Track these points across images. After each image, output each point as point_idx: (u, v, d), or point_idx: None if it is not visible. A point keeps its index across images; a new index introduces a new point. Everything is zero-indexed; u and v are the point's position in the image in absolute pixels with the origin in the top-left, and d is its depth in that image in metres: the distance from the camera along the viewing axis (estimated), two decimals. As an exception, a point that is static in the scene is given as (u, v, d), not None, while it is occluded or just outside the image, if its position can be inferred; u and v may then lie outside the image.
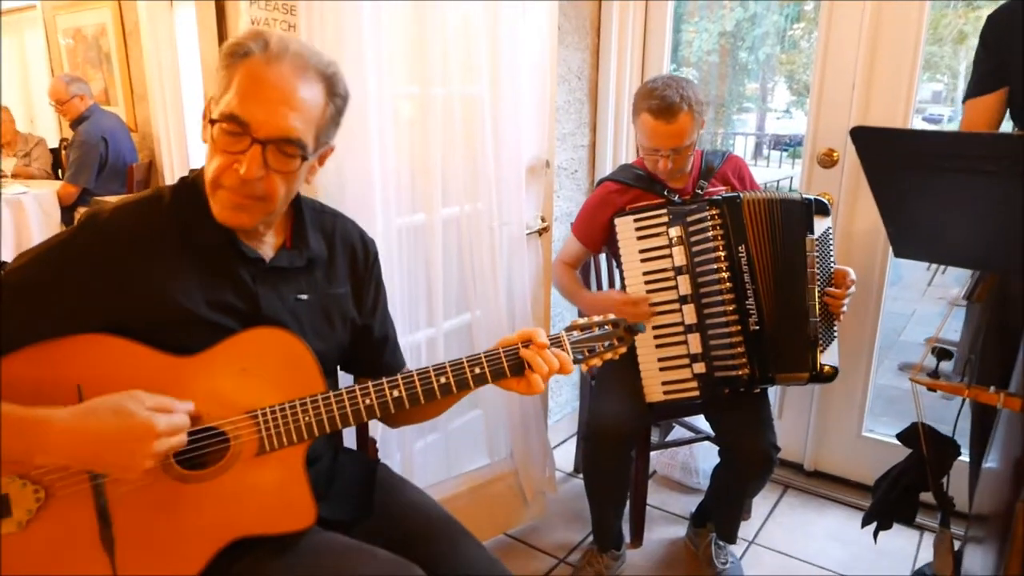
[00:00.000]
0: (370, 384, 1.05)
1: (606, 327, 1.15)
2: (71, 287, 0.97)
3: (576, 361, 1.13)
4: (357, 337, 1.22)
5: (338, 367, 1.25)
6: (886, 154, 0.97)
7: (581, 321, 1.16)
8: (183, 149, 3.76)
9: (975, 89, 1.71)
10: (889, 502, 1.60)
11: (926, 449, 1.56)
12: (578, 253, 2.06)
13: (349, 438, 1.48)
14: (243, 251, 1.05)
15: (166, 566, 0.99)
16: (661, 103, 1.75)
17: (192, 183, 1.07)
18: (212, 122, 0.98)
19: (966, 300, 1.74)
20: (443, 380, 1.07)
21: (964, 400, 1.48)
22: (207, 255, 1.04)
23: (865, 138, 0.97)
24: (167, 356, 0.99)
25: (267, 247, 1.10)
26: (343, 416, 1.04)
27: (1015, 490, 1.12)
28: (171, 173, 3.83)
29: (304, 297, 1.12)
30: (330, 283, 1.16)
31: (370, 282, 1.23)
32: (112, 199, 1.06)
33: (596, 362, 1.15)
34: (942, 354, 1.41)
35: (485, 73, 1.80)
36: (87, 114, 3.79)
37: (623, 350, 1.16)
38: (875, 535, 1.65)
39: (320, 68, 1.01)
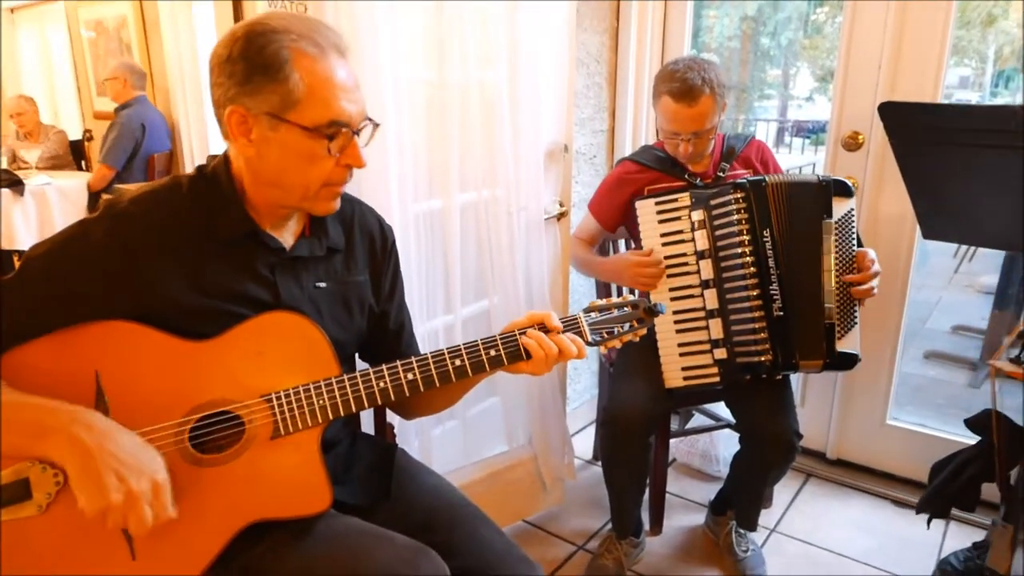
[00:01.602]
0: (384, 367, 1.04)
1: (625, 308, 1.13)
2: (88, 277, 0.97)
3: (595, 343, 1.11)
4: (374, 324, 1.22)
5: (356, 355, 1.25)
6: (915, 130, 0.94)
7: (600, 303, 1.14)
8: (204, 140, 3.78)
9: None
10: (952, 492, 1.55)
11: (999, 439, 1.50)
12: (593, 231, 2.03)
13: (367, 423, 1.47)
14: (265, 241, 1.05)
15: (183, 549, 0.99)
16: (682, 86, 1.72)
17: (212, 173, 1.06)
18: (307, 131, 0.96)
19: None
20: (458, 363, 1.06)
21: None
22: (228, 245, 1.04)
23: (893, 114, 0.94)
24: (183, 341, 0.99)
25: (288, 235, 1.10)
26: (358, 399, 1.03)
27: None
28: (191, 163, 3.86)
29: (323, 285, 1.12)
30: (349, 271, 1.16)
31: (388, 269, 1.23)
32: (132, 187, 1.06)
33: (615, 344, 1.13)
34: None
35: (503, 58, 1.78)
36: (132, 102, 3.89)
37: (643, 332, 1.14)
38: (928, 522, 1.60)
39: (338, 43, 1.00)
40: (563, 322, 1.10)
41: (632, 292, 2.12)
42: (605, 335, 1.11)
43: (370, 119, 1.03)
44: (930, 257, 4.77)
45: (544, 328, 1.09)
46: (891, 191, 2.20)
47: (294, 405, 1.01)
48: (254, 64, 0.94)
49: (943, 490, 1.58)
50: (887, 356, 2.31)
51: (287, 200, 1.04)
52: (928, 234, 1.10)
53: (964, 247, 4.29)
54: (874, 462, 2.42)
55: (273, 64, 0.94)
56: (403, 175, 1.63)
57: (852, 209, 1.71)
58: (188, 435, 0.99)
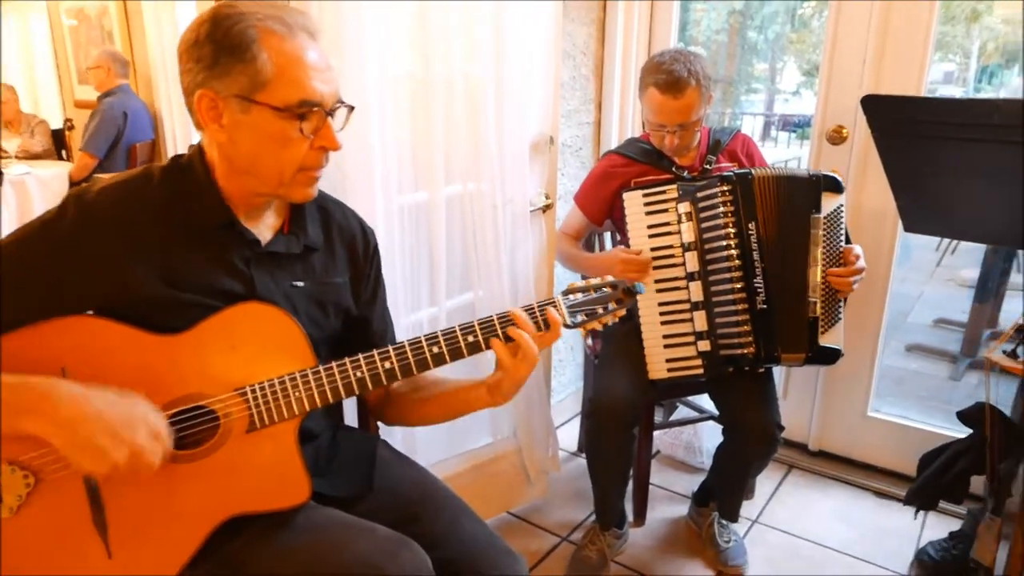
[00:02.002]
0: (361, 357, 1.03)
1: (604, 289, 1.11)
2: (55, 269, 0.95)
3: (574, 325, 1.09)
4: (354, 328, 1.20)
5: (329, 356, 1.23)
6: (897, 123, 0.94)
7: (578, 284, 1.12)
8: (187, 129, 3.74)
9: None
10: (943, 485, 1.57)
11: (992, 432, 1.52)
12: (580, 225, 2.03)
13: (351, 416, 1.47)
14: (241, 233, 1.03)
15: (161, 546, 0.98)
16: (668, 77, 1.72)
17: (187, 162, 1.05)
18: (277, 111, 0.94)
19: None
20: (436, 349, 1.04)
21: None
22: (202, 236, 1.02)
23: (875, 107, 0.94)
24: (153, 336, 0.97)
25: (265, 229, 1.08)
26: (334, 390, 1.02)
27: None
28: (174, 153, 3.81)
29: (299, 284, 1.10)
30: (327, 272, 1.14)
31: (369, 274, 1.21)
32: (105, 177, 1.03)
33: (595, 325, 1.11)
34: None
35: (488, 50, 1.76)
36: (116, 90, 3.84)
37: (622, 312, 1.13)
38: (916, 513, 1.61)
39: (307, 24, 0.99)
40: (541, 304, 1.08)
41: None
42: (585, 316, 1.10)
43: (343, 102, 1.02)
44: (912, 251, 4.81)
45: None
46: (874, 185, 2.21)
47: (269, 397, 1.00)
48: (221, 46, 0.93)
49: (934, 482, 1.60)
50: (869, 349, 2.33)
51: (262, 188, 1.02)
52: (909, 227, 1.11)
53: (946, 241, 4.34)
54: (855, 453, 2.45)
55: (240, 44, 0.93)
56: (388, 168, 1.61)
57: (841, 205, 1.72)
58: None
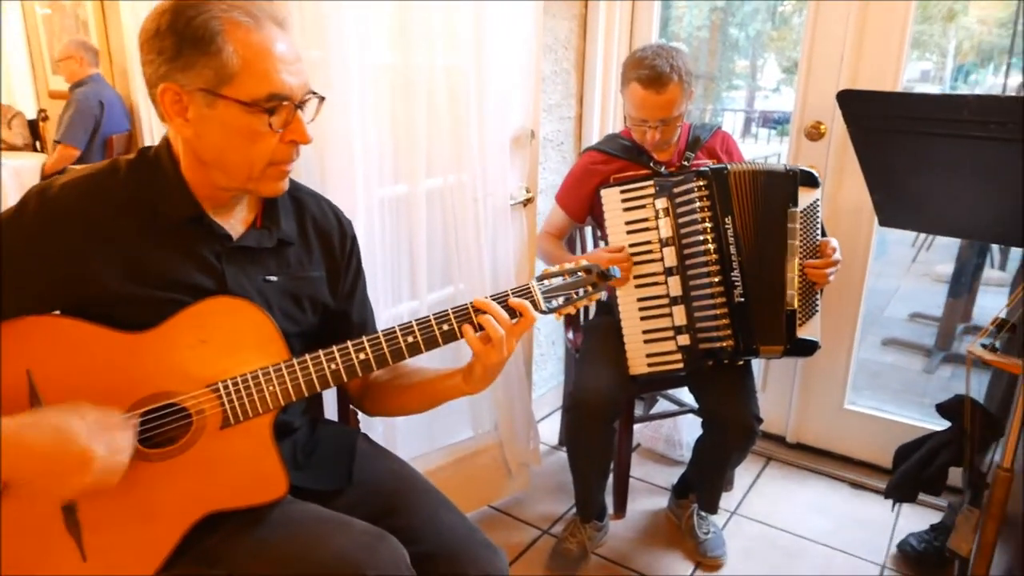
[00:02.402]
0: (335, 348, 1.02)
1: (579, 274, 1.12)
2: (18, 267, 0.93)
3: (550, 310, 1.09)
4: (333, 322, 1.19)
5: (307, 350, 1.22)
6: (873, 118, 0.95)
7: (553, 269, 1.12)
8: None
9: None
10: (924, 478, 1.59)
11: (971, 424, 1.54)
12: (562, 223, 2.03)
13: (330, 408, 1.46)
14: (211, 227, 1.02)
15: (137, 547, 0.97)
16: (651, 73, 1.72)
17: (155, 156, 1.03)
18: (244, 105, 0.93)
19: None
20: (410, 339, 1.03)
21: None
22: (171, 231, 1.00)
23: (851, 102, 0.95)
24: (122, 334, 0.95)
25: (237, 223, 1.07)
26: (309, 383, 1.01)
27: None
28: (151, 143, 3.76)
29: (273, 279, 1.08)
30: (302, 265, 1.13)
31: (348, 266, 1.20)
32: (76, 168, 1.01)
33: (570, 310, 1.11)
34: (1002, 326, 1.38)
35: (469, 43, 1.76)
36: (87, 80, 3.76)
37: (597, 296, 1.13)
38: (893, 505, 1.64)
39: (275, 14, 0.97)
40: (515, 291, 1.08)
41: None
42: (560, 301, 1.10)
43: (314, 92, 1.00)
44: (889, 246, 4.87)
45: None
46: (851, 181, 2.24)
47: (243, 393, 0.99)
48: (183, 37, 0.90)
49: (915, 475, 1.62)
50: (846, 343, 2.36)
51: (231, 183, 1.00)
52: (884, 222, 1.12)
53: (922, 237, 4.40)
54: (832, 445, 2.48)
55: (204, 36, 0.90)
56: (368, 160, 1.60)
57: (818, 200, 1.74)
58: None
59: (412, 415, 1.28)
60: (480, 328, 1.05)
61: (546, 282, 1.10)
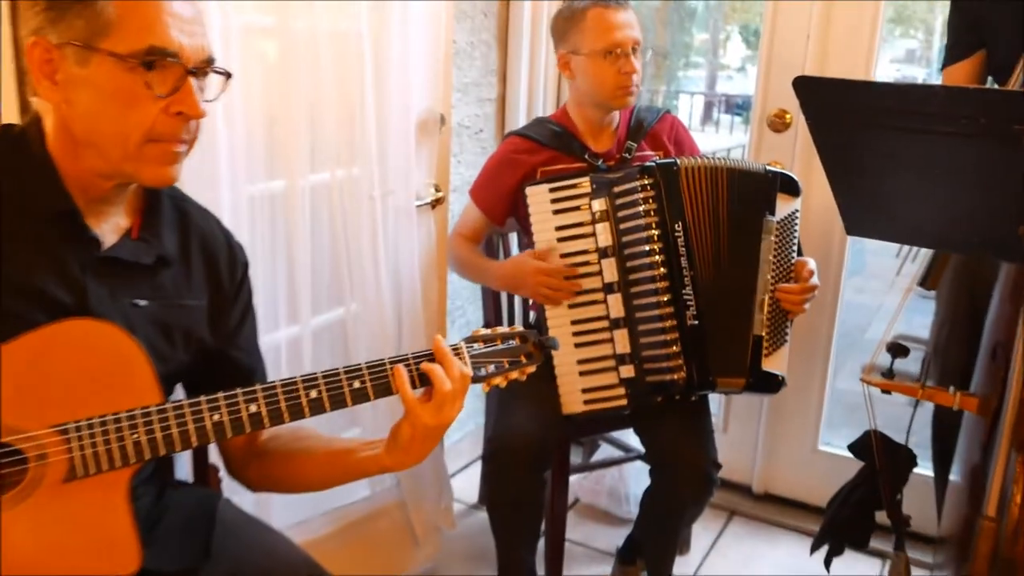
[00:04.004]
0: (221, 396, 1.02)
1: (512, 340, 1.17)
2: None
3: (476, 379, 1.14)
4: (209, 365, 1.19)
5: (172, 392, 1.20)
6: (834, 110, 1.02)
7: (484, 332, 1.18)
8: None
9: (949, 55, 1.87)
10: (839, 521, 1.68)
11: (879, 460, 1.64)
12: (477, 224, 2.06)
13: (183, 468, 1.43)
14: (82, 229, 1.01)
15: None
16: None
17: (20, 135, 1.02)
18: (121, 59, 0.94)
19: (920, 287, 1.83)
20: (314, 394, 1.04)
21: (916, 404, 1.58)
22: (32, 228, 0.99)
23: (809, 90, 1.01)
24: None
25: (109, 231, 1.06)
26: (183, 435, 1.00)
27: (975, 505, 1.19)
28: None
29: (143, 303, 1.08)
30: (179, 292, 1.13)
31: (236, 299, 1.21)
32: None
33: (499, 381, 1.17)
34: (897, 351, 1.49)
35: (363, 4, 1.77)
36: None
37: (531, 369, 1.19)
38: (827, 562, 1.73)
39: None
40: (456, 348, 1.13)
41: (527, 304, 2.16)
42: (489, 369, 1.15)
43: (218, 68, 1.03)
44: (868, 257, 5.12)
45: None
46: (823, 180, 2.31)
47: (98, 439, 0.97)
48: None
49: (833, 521, 1.71)
50: (818, 372, 2.47)
51: (105, 164, 1.00)
52: (851, 229, 1.19)
53: (906, 246, 4.65)
54: (805, 495, 2.57)
55: None
56: (234, 149, 1.59)
57: (797, 211, 1.82)
58: None
59: (309, 492, 1.29)
60: (421, 379, 1.08)
61: (476, 346, 1.15)
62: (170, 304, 1.11)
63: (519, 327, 1.21)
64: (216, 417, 1.01)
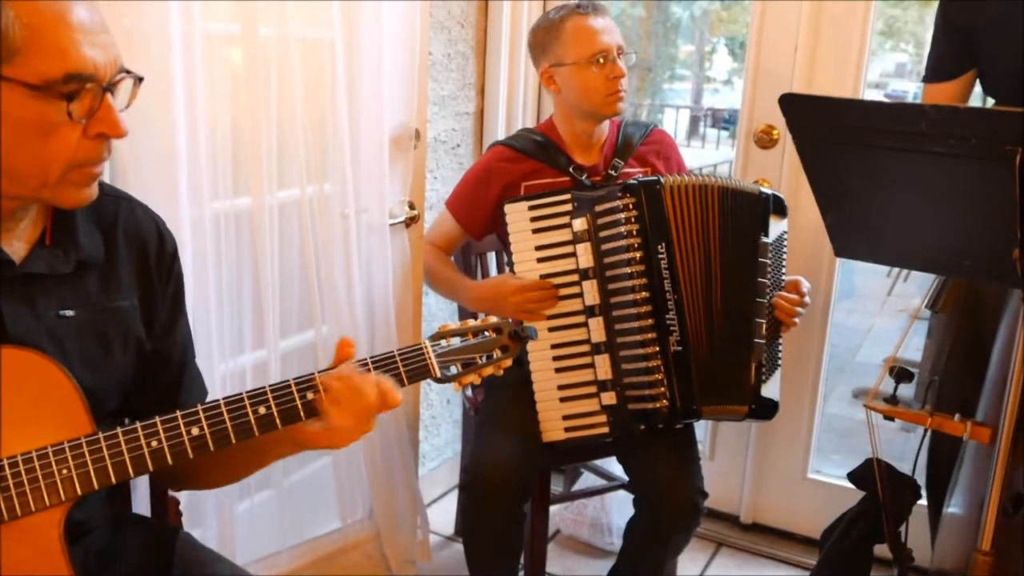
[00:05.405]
0: (158, 420, 1.00)
1: (486, 333, 1.14)
2: None
3: (446, 379, 1.11)
4: (152, 369, 1.17)
5: (119, 408, 1.18)
6: (821, 128, 1.02)
7: (453, 326, 1.15)
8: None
9: (934, 73, 1.85)
10: (840, 556, 1.67)
11: (882, 491, 1.64)
12: (452, 234, 2.06)
13: (141, 501, 1.41)
14: None
15: None
16: (587, 1, 1.87)
17: None
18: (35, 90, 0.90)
19: (929, 310, 1.83)
20: (262, 411, 1.03)
21: (925, 432, 1.57)
22: None
23: (796, 108, 1.02)
24: None
25: (18, 243, 1.03)
26: (119, 466, 0.98)
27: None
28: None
29: (69, 314, 1.05)
30: (109, 294, 1.10)
31: (166, 292, 1.18)
32: None
33: (473, 379, 1.14)
34: (901, 375, 1.49)
35: (335, 11, 1.77)
36: None
37: (507, 363, 1.16)
38: None
39: None
40: (402, 354, 1.10)
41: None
42: (460, 367, 1.12)
43: (128, 71, 0.99)
44: (858, 277, 5.17)
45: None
46: (811, 198, 2.34)
47: (23, 477, 0.95)
48: None
49: (832, 556, 1.71)
50: (807, 397, 2.47)
51: (21, 191, 0.97)
52: (839, 251, 1.20)
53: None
54: (795, 525, 2.58)
55: None
56: (198, 163, 1.58)
57: (785, 232, 1.83)
58: None
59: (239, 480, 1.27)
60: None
61: (443, 343, 1.12)
62: (99, 309, 1.09)
63: (493, 318, 1.17)
64: (154, 443, 1.00)
